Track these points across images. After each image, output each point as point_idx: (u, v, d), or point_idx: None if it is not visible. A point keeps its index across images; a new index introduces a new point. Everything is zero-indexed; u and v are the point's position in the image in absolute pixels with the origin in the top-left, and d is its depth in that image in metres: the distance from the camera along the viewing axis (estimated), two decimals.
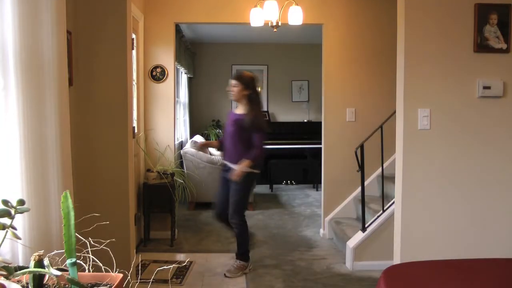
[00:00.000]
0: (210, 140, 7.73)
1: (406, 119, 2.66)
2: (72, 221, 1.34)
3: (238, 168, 3.57)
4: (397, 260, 2.72)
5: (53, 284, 1.34)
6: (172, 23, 4.66)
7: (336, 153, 4.73)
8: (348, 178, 4.61)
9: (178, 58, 5.52)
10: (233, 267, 3.73)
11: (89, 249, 1.45)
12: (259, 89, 8.34)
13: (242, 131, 3.60)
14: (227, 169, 3.73)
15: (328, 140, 4.78)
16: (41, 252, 1.29)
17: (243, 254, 3.77)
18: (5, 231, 1.30)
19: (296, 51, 8.24)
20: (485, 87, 2.65)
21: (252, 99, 3.65)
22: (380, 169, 4.16)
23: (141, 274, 3.63)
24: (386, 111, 4.06)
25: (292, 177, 7.69)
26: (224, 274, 3.68)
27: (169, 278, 3.57)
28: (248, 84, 3.66)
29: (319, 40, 4.90)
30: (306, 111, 8.32)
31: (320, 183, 5.11)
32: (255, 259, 4.06)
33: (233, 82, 3.67)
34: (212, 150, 6.32)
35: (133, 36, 4.28)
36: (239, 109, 3.73)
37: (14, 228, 1.32)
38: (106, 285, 1.37)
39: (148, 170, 4.61)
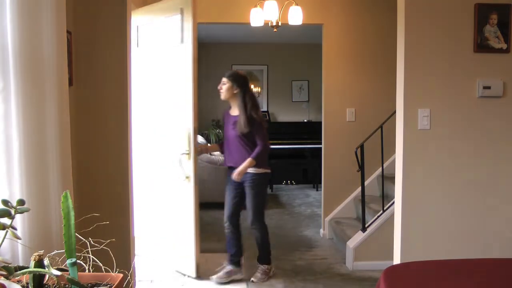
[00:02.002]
0: (211, 140, 7.72)
1: (406, 119, 2.66)
2: (72, 221, 1.34)
3: (240, 167, 3.46)
4: (397, 260, 2.72)
5: (53, 284, 1.34)
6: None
7: (336, 153, 4.73)
8: (348, 178, 4.61)
9: None
10: (259, 273, 3.64)
11: (89, 249, 1.45)
12: (258, 89, 8.42)
13: (243, 133, 3.48)
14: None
15: (328, 140, 4.78)
16: (41, 252, 1.29)
17: (266, 257, 3.70)
18: (5, 231, 1.30)
19: (296, 51, 8.24)
20: (485, 87, 2.65)
21: (244, 97, 3.51)
22: (380, 169, 4.17)
23: (140, 274, 3.63)
24: (386, 111, 4.06)
25: (292, 177, 7.69)
26: (252, 280, 3.59)
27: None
28: (239, 82, 3.52)
29: (319, 40, 4.90)
30: (306, 111, 8.32)
31: (320, 183, 5.11)
32: (255, 259, 4.06)
33: (224, 79, 3.57)
34: (217, 153, 6.28)
35: None
36: (234, 110, 3.61)
37: (14, 228, 1.32)
38: (106, 285, 1.37)
39: None
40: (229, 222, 3.64)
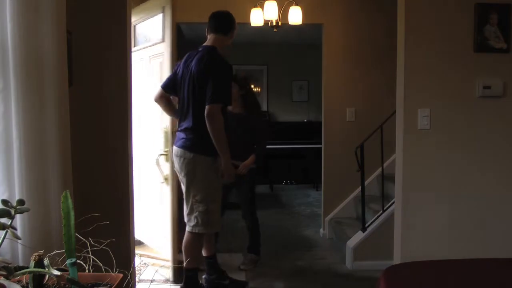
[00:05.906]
0: None
1: (406, 119, 2.66)
2: (72, 221, 1.33)
3: (246, 162, 3.74)
4: (397, 260, 2.72)
5: (53, 284, 1.34)
6: (173, 23, 4.65)
7: (336, 153, 4.73)
8: (348, 178, 4.61)
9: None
10: (246, 260, 3.93)
11: (89, 249, 1.45)
12: (258, 89, 8.41)
13: (246, 129, 3.77)
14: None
15: (328, 140, 4.78)
16: (41, 252, 1.28)
17: (256, 247, 3.98)
18: (5, 231, 1.30)
19: (296, 51, 8.23)
20: (485, 87, 2.65)
21: (249, 98, 3.87)
22: (380, 169, 4.17)
23: (141, 274, 3.63)
24: (386, 111, 4.06)
25: (292, 177, 7.69)
26: (239, 267, 3.85)
27: (169, 278, 3.57)
28: (243, 85, 3.86)
29: (319, 40, 4.90)
30: (306, 111, 8.31)
31: (320, 183, 5.11)
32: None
33: None
34: None
35: None
36: (238, 108, 3.80)
37: (14, 228, 1.32)
38: (106, 285, 1.37)
39: None
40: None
